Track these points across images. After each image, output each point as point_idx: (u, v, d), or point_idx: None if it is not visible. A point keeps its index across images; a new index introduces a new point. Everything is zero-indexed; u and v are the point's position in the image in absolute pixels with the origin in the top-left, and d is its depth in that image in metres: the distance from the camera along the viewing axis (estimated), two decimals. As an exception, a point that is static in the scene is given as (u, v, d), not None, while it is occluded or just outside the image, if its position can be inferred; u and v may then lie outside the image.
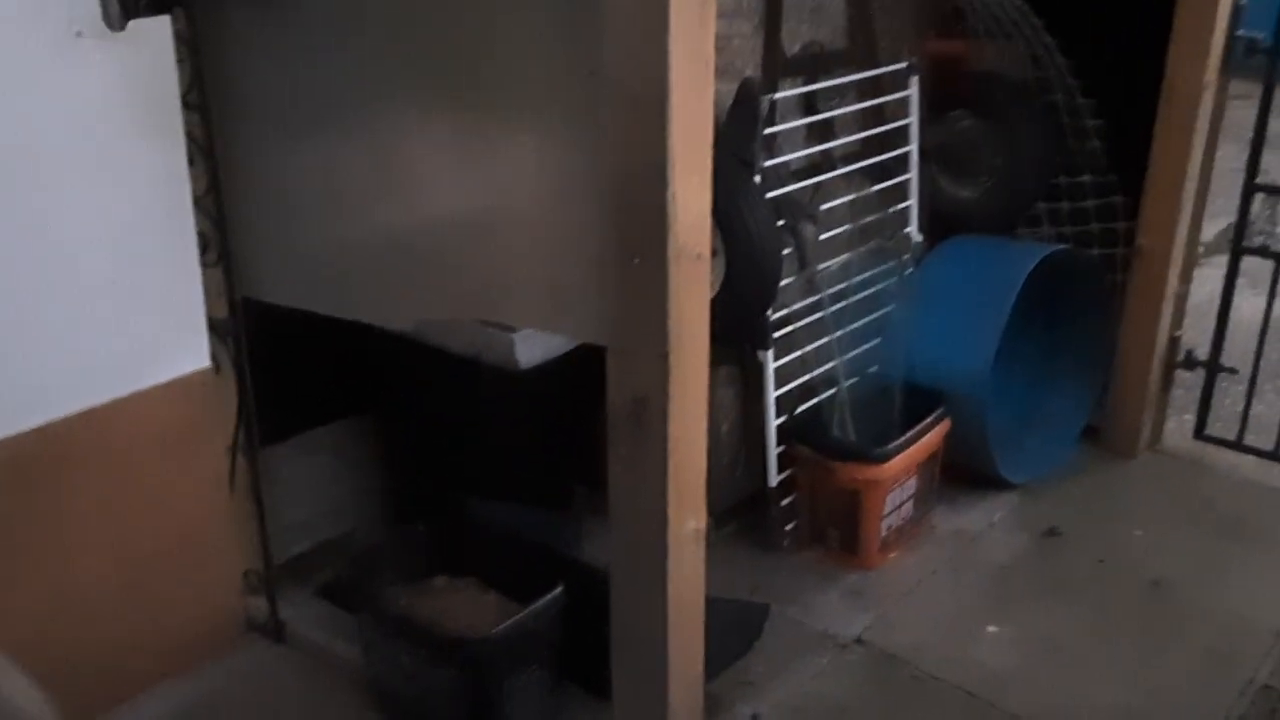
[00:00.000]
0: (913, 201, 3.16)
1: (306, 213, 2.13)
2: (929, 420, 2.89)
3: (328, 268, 2.16)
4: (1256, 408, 3.29)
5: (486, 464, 2.60)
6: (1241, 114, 3.23)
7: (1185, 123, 2.92)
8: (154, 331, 2.18)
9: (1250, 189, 3.09)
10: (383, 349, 2.44)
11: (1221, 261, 4.47)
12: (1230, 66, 2.95)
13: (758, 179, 2.61)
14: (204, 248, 2.22)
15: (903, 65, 3.04)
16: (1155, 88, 2.98)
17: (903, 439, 2.81)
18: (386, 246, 2.04)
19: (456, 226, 1.93)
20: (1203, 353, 3.33)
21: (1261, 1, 2.96)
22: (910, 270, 3.17)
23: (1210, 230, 4.36)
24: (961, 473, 3.09)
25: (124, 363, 2.14)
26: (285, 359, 2.42)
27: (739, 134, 2.58)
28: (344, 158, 2.04)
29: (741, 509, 2.94)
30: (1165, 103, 2.93)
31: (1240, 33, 2.93)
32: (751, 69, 2.77)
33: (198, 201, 2.17)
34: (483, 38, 1.78)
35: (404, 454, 2.78)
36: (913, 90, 3.07)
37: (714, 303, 2.52)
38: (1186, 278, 3.23)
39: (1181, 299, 3.25)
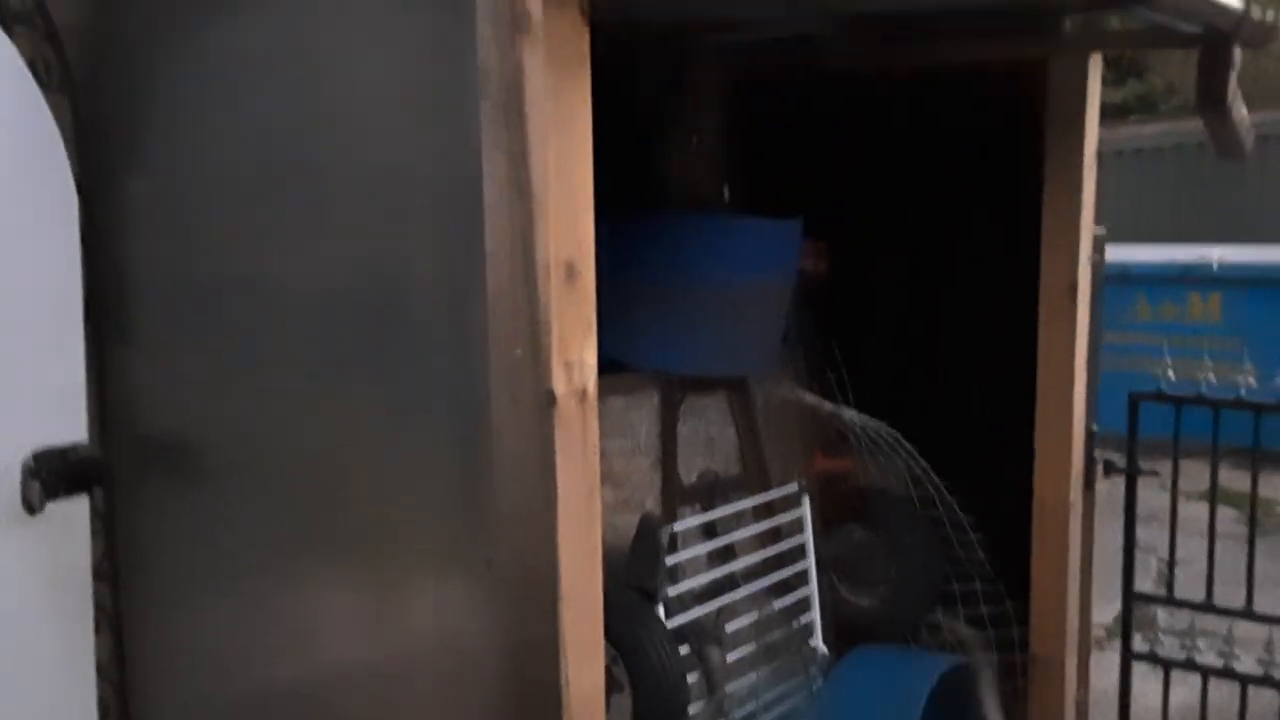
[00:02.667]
0: (814, 615, 3.26)
1: (208, 679, 2.15)
2: None
3: (227, 734, 2.15)
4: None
5: None
6: (1121, 489, 3.46)
7: (1058, 541, 3.12)
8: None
9: (1129, 598, 3.26)
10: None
11: (1120, 647, 4.60)
12: (1091, 484, 3.20)
13: (661, 609, 2.70)
14: (104, 714, 2.20)
15: (794, 487, 3.24)
16: (1029, 501, 3.21)
17: None
18: (284, 713, 2.06)
19: (358, 695, 1.97)
20: (1112, 754, 3.37)
21: (1112, 404, 3.27)
22: (818, 683, 3.21)
23: (1108, 613, 4.52)
24: None
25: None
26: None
27: (641, 567, 2.70)
28: (247, 625, 2.09)
29: None
30: (1037, 523, 3.14)
31: (1095, 453, 3.20)
32: (651, 501, 2.94)
33: (100, 669, 2.18)
34: (385, 521, 1.90)
35: None
36: (805, 509, 3.25)
37: (623, 737, 2.58)
38: (1084, 681, 3.32)
39: (1082, 705, 3.32)
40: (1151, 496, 3.40)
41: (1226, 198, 8.71)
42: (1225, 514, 4.46)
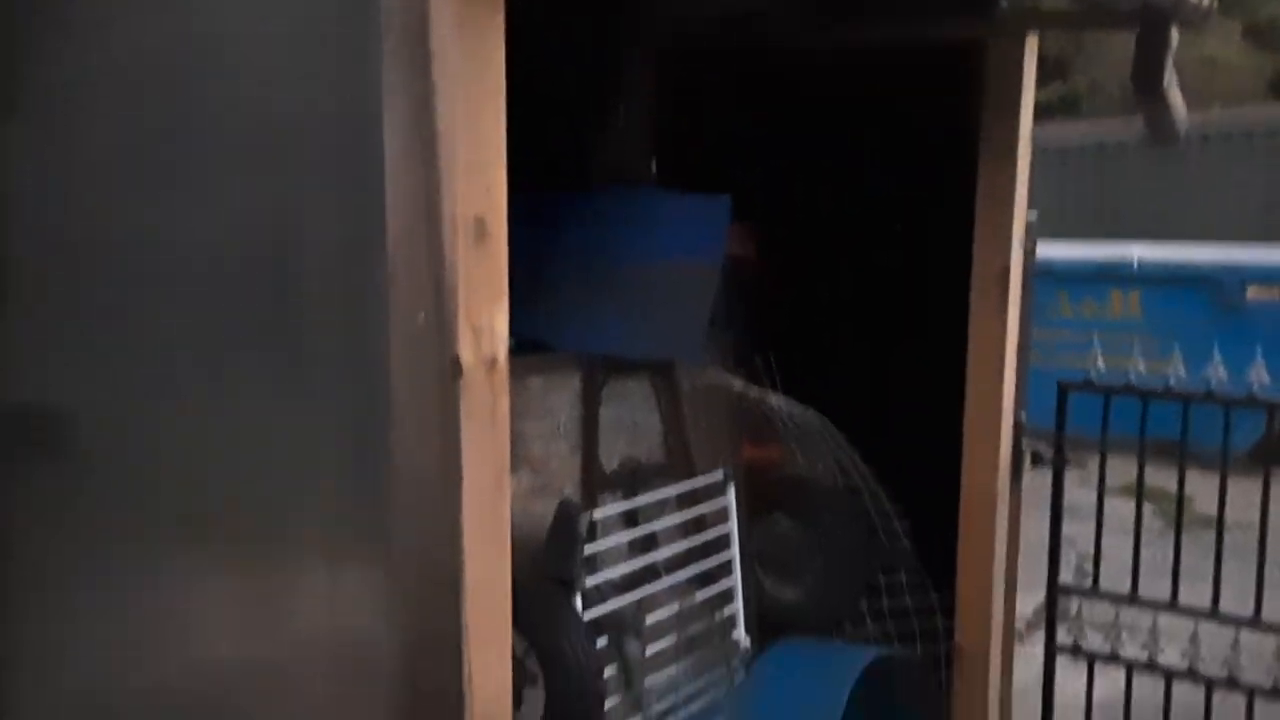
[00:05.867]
0: (738, 607, 3.16)
1: (79, 676, 1.97)
2: None
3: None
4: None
5: None
6: (1044, 480, 3.41)
7: (985, 532, 3.05)
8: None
9: (1054, 590, 3.21)
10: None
11: (1041, 639, 4.57)
12: (1019, 475, 3.14)
13: (578, 600, 2.57)
14: (-39, 712, 2.01)
15: (718, 475, 3.13)
16: (957, 490, 3.14)
17: None
18: (160, 715, 1.89)
19: (240, 696, 1.80)
20: (1033, 751, 3.33)
21: (1035, 400, 3.20)
22: (740, 677, 3.11)
23: (1029, 604, 4.49)
24: None
25: None
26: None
27: (558, 555, 2.57)
28: (120, 619, 1.92)
29: None
30: (964, 514, 3.07)
31: (1024, 446, 3.14)
32: (570, 488, 2.81)
33: (-41, 664, 1.99)
34: (271, 504, 1.74)
35: None
36: (730, 498, 3.15)
37: (535, 734, 2.45)
38: (1008, 676, 3.27)
39: (1006, 699, 3.26)
40: (1073, 490, 3.35)
41: (1147, 197, 8.83)
42: (1145, 509, 4.46)
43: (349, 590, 1.67)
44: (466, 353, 1.53)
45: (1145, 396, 2.96)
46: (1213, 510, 3.02)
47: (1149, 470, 3.19)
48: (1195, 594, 3.09)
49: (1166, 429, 3.04)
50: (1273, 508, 2.94)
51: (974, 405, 3.04)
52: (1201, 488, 3.58)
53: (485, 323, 1.56)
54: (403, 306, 1.53)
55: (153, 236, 1.78)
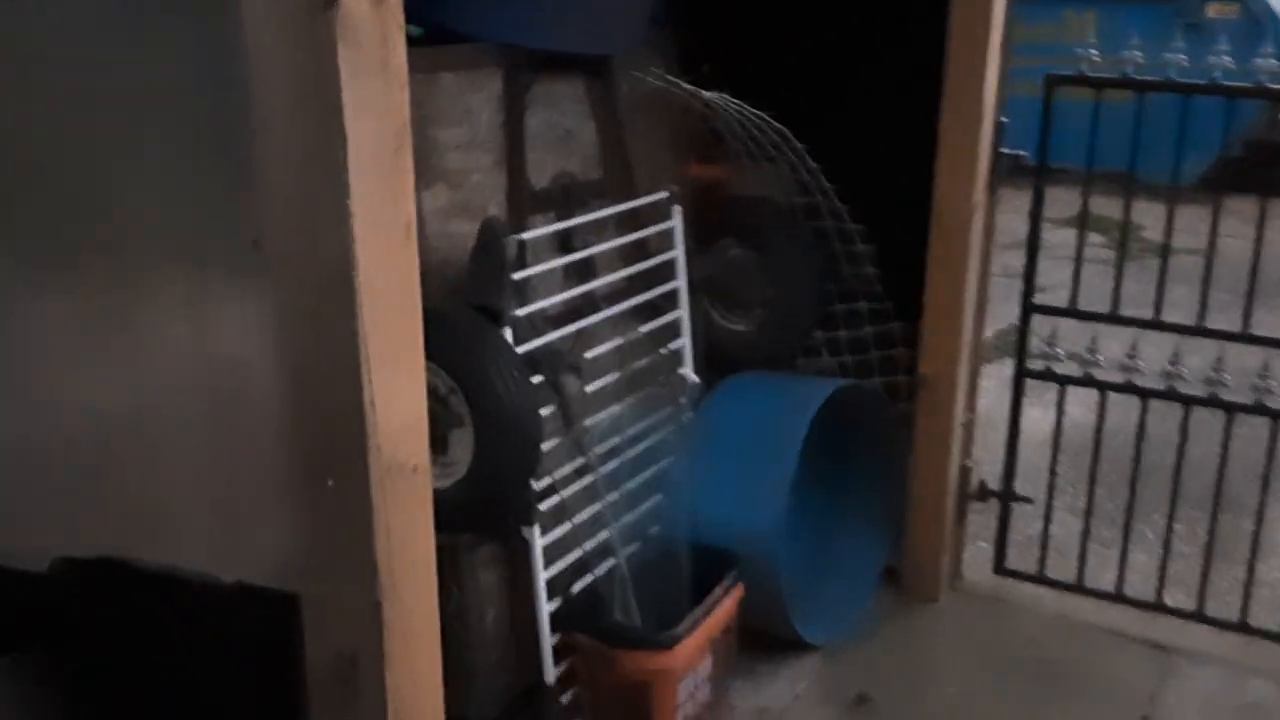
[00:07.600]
0: (685, 340, 2.88)
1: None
2: (720, 589, 2.56)
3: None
4: (1052, 530, 3.15)
5: (186, 700, 2.09)
6: (1003, 219, 3.14)
7: (958, 247, 2.78)
8: None
9: (1028, 310, 2.97)
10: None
11: (998, 372, 4.42)
12: (996, 184, 2.84)
13: (508, 332, 2.26)
14: None
15: (663, 195, 2.78)
16: (925, 210, 2.84)
17: (693, 617, 2.46)
18: (7, 468, 1.55)
19: (92, 441, 1.47)
20: (993, 478, 3.18)
21: (1021, 118, 2.88)
22: (688, 415, 2.87)
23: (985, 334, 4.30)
24: (757, 636, 2.77)
25: None
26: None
27: (483, 281, 2.25)
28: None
29: (514, 711, 2.51)
30: (936, 226, 2.78)
31: (1004, 150, 2.82)
32: (495, 206, 2.45)
33: None
34: (111, 198, 1.35)
35: (84, 694, 2.23)
36: (676, 221, 2.81)
37: (468, 478, 2.19)
38: (972, 405, 3.07)
39: (969, 427, 3.08)
40: (1020, 225, 3.06)
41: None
42: (1093, 239, 4.21)
43: (216, 300, 1.31)
44: (340, -27, 1.12)
45: (1142, 89, 2.62)
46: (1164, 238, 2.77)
47: (1095, 201, 2.90)
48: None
49: (1115, 159, 2.74)
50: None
51: (952, 107, 2.70)
52: (1149, 217, 3.33)
53: (365, -69, 1.14)
54: (246, -95, 1.11)
55: None
